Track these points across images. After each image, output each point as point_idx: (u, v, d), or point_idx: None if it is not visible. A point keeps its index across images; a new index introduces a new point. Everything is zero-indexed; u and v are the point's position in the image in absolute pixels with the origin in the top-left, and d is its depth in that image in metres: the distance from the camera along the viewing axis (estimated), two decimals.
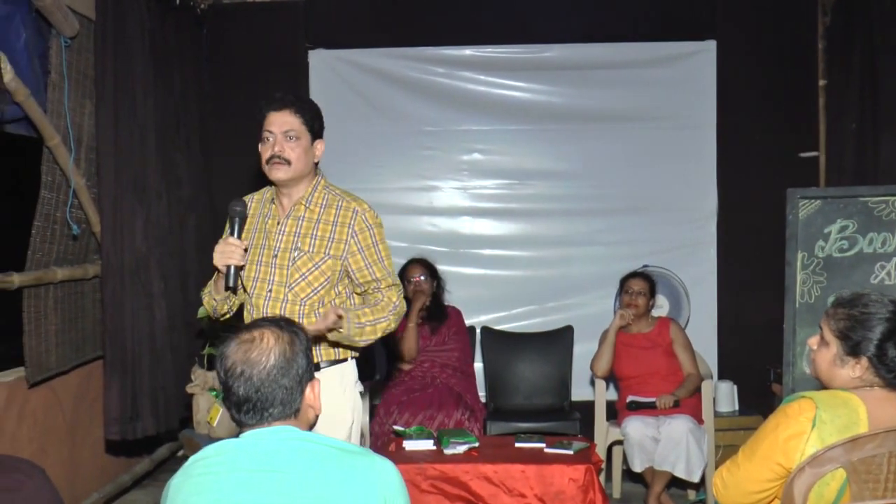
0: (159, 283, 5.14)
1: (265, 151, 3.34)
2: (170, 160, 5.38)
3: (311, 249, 3.35)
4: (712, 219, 6.33)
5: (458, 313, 5.91)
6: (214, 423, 5.16)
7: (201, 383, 5.34)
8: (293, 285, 3.34)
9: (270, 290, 3.35)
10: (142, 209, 4.97)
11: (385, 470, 2.11)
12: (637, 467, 5.13)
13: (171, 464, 5.84)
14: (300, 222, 3.39)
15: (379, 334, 3.37)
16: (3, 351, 4.84)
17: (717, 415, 5.68)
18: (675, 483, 5.21)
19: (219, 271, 3.35)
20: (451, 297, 5.94)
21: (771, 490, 2.53)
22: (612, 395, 5.72)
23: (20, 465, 1.91)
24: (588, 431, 5.54)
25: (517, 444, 4.83)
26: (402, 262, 5.86)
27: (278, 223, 3.40)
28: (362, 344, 3.35)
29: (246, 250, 3.31)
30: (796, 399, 2.52)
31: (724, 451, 5.50)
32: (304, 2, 6.38)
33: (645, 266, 5.81)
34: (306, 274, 3.34)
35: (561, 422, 5.66)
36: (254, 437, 2.11)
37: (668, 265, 6.06)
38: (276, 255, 3.36)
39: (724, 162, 6.29)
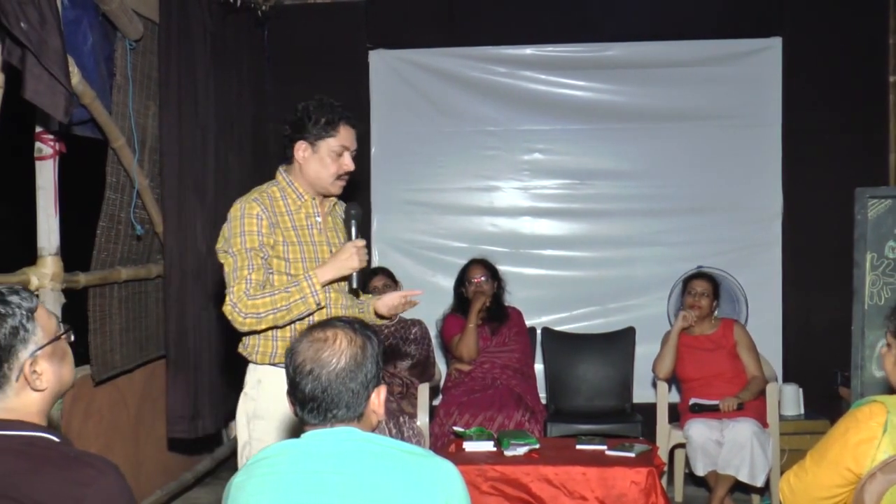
0: (217, 283, 5.20)
1: (337, 165, 3.35)
2: (225, 162, 5.45)
3: (341, 242, 3.44)
4: (777, 219, 6.25)
5: (518, 314, 5.90)
6: None
7: None
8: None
9: (339, 285, 3.40)
10: (202, 210, 5.04)
11: (448, 472, 2.10)
12: (700, 471, 5.09)
13: (233, 462, 5.88)
14: (334, 224, 3.50)
15: None
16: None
17: (781, 418, 5.60)
18: (739, 487, 5.15)
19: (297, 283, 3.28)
20: (512, 298, 5.93)
21: (840, 496, 2.48)
22: (675, 397, 5.67)
23: (95, 461, 1.95)
24: (650, 434, 5.50)
25: (578, 447, 4.81)
26: (463, 262, 5.87)
27: (318, 220, 3.43)
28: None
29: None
30: (867, 403, 2.47)
31: (789, 456, 5.43)
32: (365, 2, 6.42)
33: (699, 267, 5.74)
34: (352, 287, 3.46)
35: (622, 424, 5.63)
36: (316, 437, 2.11)
37: (733, 266, 5.98)
38: (331, 251, 3.40)
39: (790, 161, 6.21)
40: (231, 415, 5.96)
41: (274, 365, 3.30)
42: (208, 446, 5.73)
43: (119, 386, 4.84)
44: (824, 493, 2.51)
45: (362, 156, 6.37)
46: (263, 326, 3.22)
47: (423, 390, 5.36)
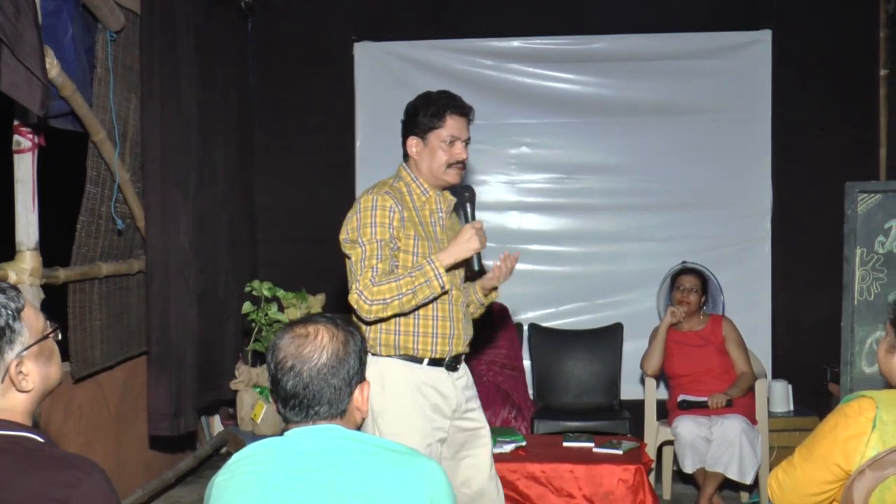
0: (201, 278, 5.20)
1: (448, 154, 3.43)
2: (209, 156, 5.44)
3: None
4: (767, 214, 6.27)
5: (504, 310, 5.90)
6: (259, 420, 5.19)
7: (245, 380, 5.38)
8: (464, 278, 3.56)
9: (464, 281, 3.52)
10: (185, 205, 5.02)
11: (433, 471, 2.10)
12: (688, 468, 5.10)
13: (215, 461, 5.90)
14: (449, 215, 3.59)
15: None
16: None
17: (771, 415, 5.62)
18: (728, 485, 5.16)
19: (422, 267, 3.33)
20: (498, 294, 5.91)
21: (829, 492, 2.49)
22: (663, 393, 5.68)
23: (81, 462, 1.94)
24: (638, 431, 5.51)
25: (565, 444, 4.82)
26: None
27: (441, 216, 3.52)
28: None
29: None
30: (856, 398, 2.48)
31: (779, 453, 5.44)
32: None
33: (683, 262, 5.75)
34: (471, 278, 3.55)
35: (610, 421, 5.64)
36: (299, 435, 2.11)
37: (722, 261, 6.00)
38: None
39: (780, 155, 6.23)
40: (209, 411, 6.01)
41: (398, 357, 3.41)
42: (191, 444, 5.72)
43: (100, 383, 4.82)
44: (813, 489, 2.51)
45: (347, 149, 6.41)
46: (389, 313, 3.29)
47: None
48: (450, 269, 3.32)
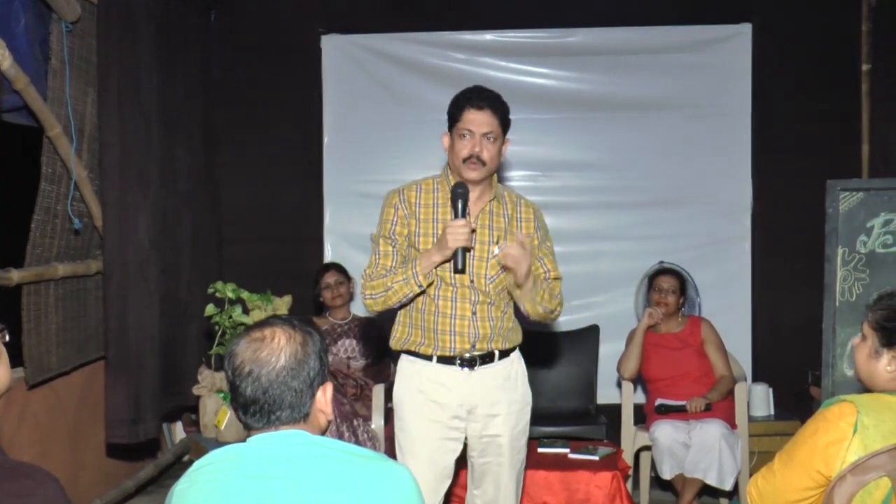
0: (162, 279, 5.16)
1: (462, 149, 3.48)
2: (171, 152, 5.40)
3: (506, 243, 3.51)
4: (747, 212, 6.30)
5: None
6: (222, 427, 5.18)
7: (209, 385, 5.36)
8: (494, 277, 3.54)
9: (472, 282, 3.51)
10: (145, 203, 4.99)
11: (401, 476, 2.10)
12: (666, 474, 5.11)
13: (177, 469, 5.86)
14: (492, 216, 3.59)
15: (553, 307, 3.59)
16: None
17: (751, 419, 5.65)
18: (707, 491, 5.18)
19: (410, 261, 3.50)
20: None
21: (810, 499, 2.50)
22: (640, 398, 5.70)
23: (33, 472, 1.92)
24: (615, 436, 5.52)
25: (540, 450, 4.82)
26: None
27: (468, 215, 3.50)
28: (540, 309, 3.53)
29: (473, 231, 3.44)
30: (836, 402, 2.49)
31: (759, 458, 5.48)
32: None
33: (661, 262, 5.77)
34: (505, 268, 3.50)
35: (586, 426, 5.64)
36: (261, 441, 2.10)
37: (701, 261, 6.03)
38: (472, 248, 3.49)
39: (760, 152, 6.25)
40: (171, 417, 5.98)
41: (406, 352, 3.62)
42: (151, 452, 5.68)
43: (56, 389, 4.78)
44: (793, 496, 2.52)
45: (314, 145, 6.39)
46: (380, 307, 3.54)
47: (379, 392, 5.33)
48: (440, 264, 3.44)
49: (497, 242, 3.52)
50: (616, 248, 6.37)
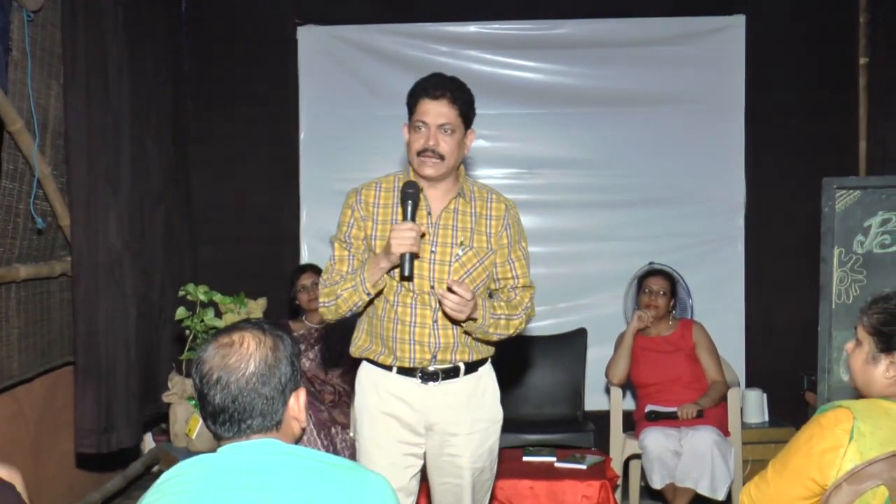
0: (134, 281, 5.13)
1: (416, 141, 3.37)
2: (142, 148, 5.37)
3: (472, 244, 3.42)
4: (740, 211, 6.31)
5: None
6: (193, 436, 5.14)
7: (179, 391, 5.32)
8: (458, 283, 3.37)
9: (433, 288, 3.37)
10: (116, 201, 4.96)
11: (379, 486, 2.09)
12: (657, 483, 5.11)
13: (146, 481, 5.83)
14: (457, 215, 3.45)
15: (511, 332, 3.48)
16: None
17: (744, 426, 5.66)
18: (699, 501, 5.19)
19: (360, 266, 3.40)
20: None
21: None
22: (630, 404, 5.70)
23: None
24: (603, 444, 5.52)
25: (525, 458, 4.82)
26: None
27: (428, 214, 3.41)
28: (495, 338, 3.47)
29: (423, 235, 3.33)
30: (831, 408, 2.50)
31: (753, 466, 5.49)
32: None
33: (651, 263, 5.78)
34: (471, 270, 3.42)
35: (573, 433, 5.64)
36: (233, 451, 2.09)
37: (692, 262, 6.04)
38: (433, 251, 3.38)
39: (754, 149, 6.27)
40: (148, 426, 5.94)
41: (366, 359, 3.53)
42: (121, 463, 5.64)
43: (17, 397, 4.75)
44: None
45: (290, 141, 6.37)
46: (332, 316, 3.43)
47: None
48: (390, 270, 3.31)
49: (461, 244, 3.40)
50: (604, 248, 6.38)
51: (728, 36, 6.31)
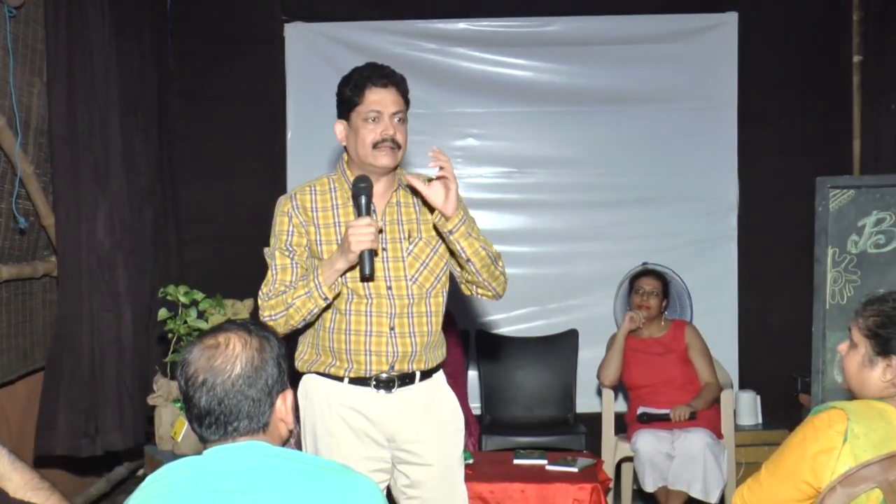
0: (127, 281, 5.10)
1: (369, 134, 3.23)
2: (129, 146, 5.35)
3: (421, 234, 3.35)
4: (733, 211, 6.32)
5: (449, 316, 5.86)
6: (179, 439, 5.13)
7: (164, 394, 5.30)
8: (416, 277, 3.32)
9: (390, 288, 3.27)
10: (104, 200, 4.93)
11: (366, 488, 2.09)
12: (649, 487, 5.12)
13: (130, 484, 5.81)
14: (400, 208, 3.37)
15: (490, 258, 3.34)
16: None
17: (737, 428, 5.67)
18: None
19: (312, 268, 3.24)
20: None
21: None
22: (622, 406, 5.71)
23: None
24: (595, 447, 5.52)
25: (516, 461, 4.81)
26: None
27: (372, 213, 3.28)
28: (473, 256, 3.27)
29: (380, 231, 3.23)
30: (825, 410, 2.50)
31: (746, 469, 5.50)
32: None
33: (645, 264, 5.78)
34: (426, 261, 3.34)
35: (564, 436, 5.65)
36: (218, 453, 2.08)
37: (684, 262, 6.03)
38: (384, 248, 3.29)
39: (746, 148, 6.28)
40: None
41: (315, 373, 3.35)
42: (106, 466, 5.62)
43: None
44: None
45: (277, 140, 6.35)
46: (282, 329, 3.20)
47: None
48: (346, 272, 3.18)
49: (409, 238, 3.31)
50: (595, 248, 6.39)
51: (720, 33, 6.32)
